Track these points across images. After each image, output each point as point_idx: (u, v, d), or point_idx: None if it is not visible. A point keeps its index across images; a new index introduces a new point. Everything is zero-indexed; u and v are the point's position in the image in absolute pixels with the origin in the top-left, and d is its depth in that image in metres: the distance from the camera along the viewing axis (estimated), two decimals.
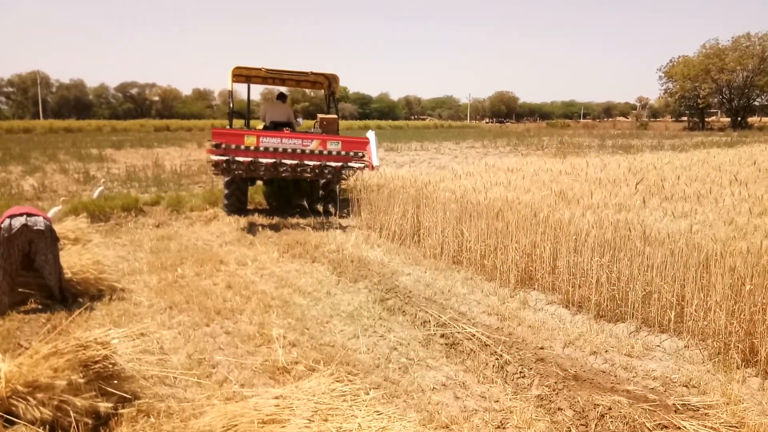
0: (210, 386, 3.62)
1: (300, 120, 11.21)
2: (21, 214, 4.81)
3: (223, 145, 8.37)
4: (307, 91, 42.36)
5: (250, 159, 8.40)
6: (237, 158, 8.37)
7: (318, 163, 8.71)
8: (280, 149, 8.59)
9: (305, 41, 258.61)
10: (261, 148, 8.51)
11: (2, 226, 4.71)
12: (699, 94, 56.13)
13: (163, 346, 4.26)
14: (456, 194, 6.69)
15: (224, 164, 8.34)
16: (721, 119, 67.82)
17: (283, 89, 11.73)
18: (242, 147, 8.44)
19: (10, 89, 72.69)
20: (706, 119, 62.40)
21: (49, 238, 4.88)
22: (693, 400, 3.49)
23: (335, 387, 3.32)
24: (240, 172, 8.55)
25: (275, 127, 10.12)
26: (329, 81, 10.72)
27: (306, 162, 8.65)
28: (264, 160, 8.48)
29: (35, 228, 4.79)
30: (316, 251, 7.10)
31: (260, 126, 10.49)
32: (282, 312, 5.02)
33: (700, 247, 4.37)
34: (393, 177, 8.18)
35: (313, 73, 10.16)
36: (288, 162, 8.58)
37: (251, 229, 8.52)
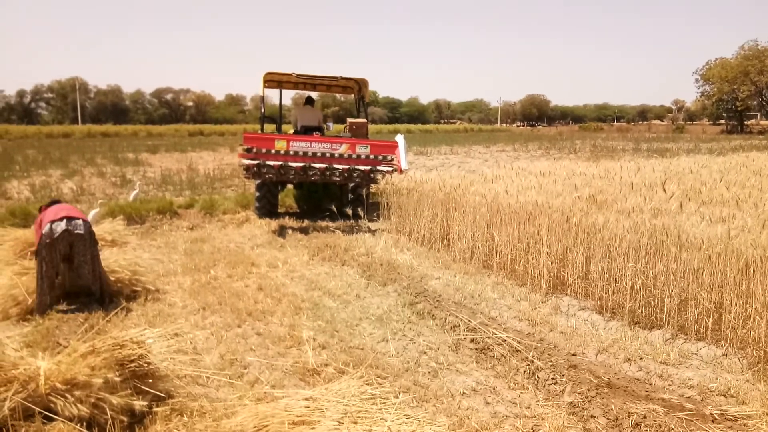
0: (241, 386, 3.67)
1: (330, 124, 11.30)
2: (61, 219, 4.94)
3: (254, 149, 8.51)
4: (338, 95, 42.64)
5: (280, 163, 8.54)
6: (267, 162, 8.51)
7: (347, 167, 8.81)
8: (310, 153, 8.72)
9: (336, 45, 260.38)
10: (291, 152, 8.65)
11: (44, 232, 4.85)
12: (737, 96, 54.75)
13: (196, 346, 4.33)
14: (486, 198, 6.64)
15: (255, 168, 8.49)
16: (761, 122, 66.03)
17: (314, 94, 11.86)
18: (273, 151, 8.59)
19: (50, 95, 75.06)
20: (745, 122, 60.80)
21: (89, 240, 5.02)
22: (731, 410, 3.40)
23: (365, 390, 3.32)
24: (270, 175, 8.69)
25: (306, 131, 10.24)
26: (359, 85, 10.79)
27: (335, 166, 8.77)
28: (294, 164, 8.61)
29: (75, 232, 4.93)
30: (345, 254, 7.14)
31: (291, 131, 10.62)
32: (312, 314, 5.06)
33: (739, 253, 4.25)
34: (422, 180, 8.16)
35: (343, 78, 10.26)
36: (317, 166, 8.70)
37: (282, 232, 8.61)
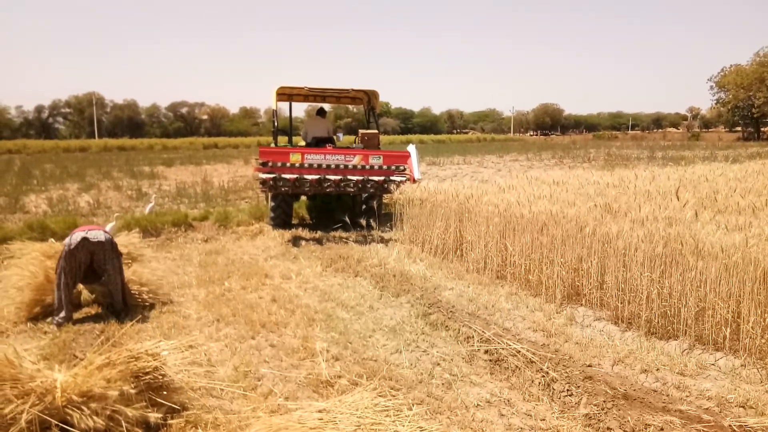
0: (255, 398, 3.67)
1: (340, 135, 11.38)
2: (82, 230, 5.06)
3: (270, 163, 8.66)
4: (350, 107, 42.91)
5: (296, 176, 8.69)
6: (283, 175, 8.67)
7: (361, 178, 8.97)
8: (324, 165, 8.89)
9: (349, 56, 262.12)
10: (306, 165, 8.81)
11: (65, 242, 4.96)
12: (753, 103, 54.14)
13: (210, 358, 4.35)
14: (499, 208, 6.63)
15: (272, 181, 8.65)
16: None
17: (326, 106, 11.98)
18: (288, 164, 8.75)
19: (68, 110, 76.31)
20: (762, 129, 60.06)
21: (110, 249, 5.10)
22: (750, 421, 3.34)
23: (378, 402, 3.31)
24: (286, 188, 8.83)
25: (317, 143, 10.36)
26: (369, 97, 10.93)
27: (349, 177, 8.93)
28: (309, 177, 8.76)
29: (95, 240, 5.01)
30: (358, 265, 7.14)
31: (302, 143, 10.70)
32: (325, 326, 5.06)
33: (757, 262, 4.19)
34: (435, 191, 8.17)
35: (353, 90, 10.42)
36: (332, 177, 8.86)
37: (295, 243, 8.65)
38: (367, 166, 9.05)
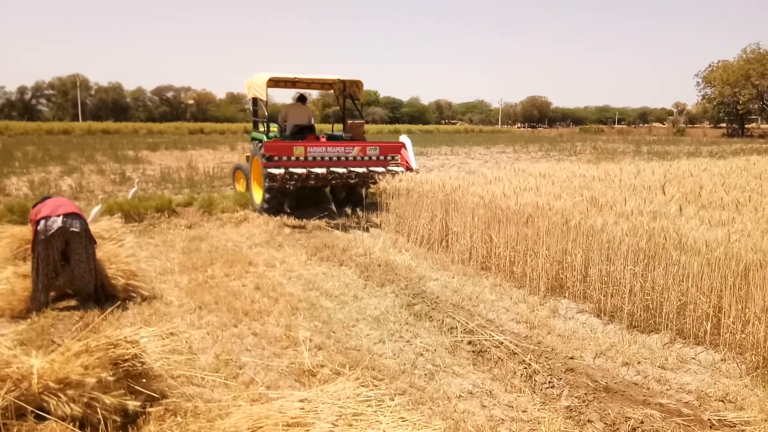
0: (236, 387, 3.64)
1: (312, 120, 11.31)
2: (58, 215, 4.90)
3: (276, 157, 8.81)
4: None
5: (305, 170, 8.86)
6: (292, 169, 8.82)
7: (364, 169, 9.26)
8: (326, 158, 9.15)
9: (337, 44, 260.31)
10: (309, 158, 9.04)
11: (38, 228, 4.81)
12: (738, 100, 54.71)
13: (191, 346, 4.30)
14: (485, 199, 6.62)
15: (287, 176, 8.76)
16: (762, 126, 66.06)
17: (314, 93, 12.02)
18: (292, 158, 8.94)
19: (51, 92, 75.06)
20: (746, 126, 60.77)
21: (84, 238, 4.98)
22: (730, 415, 3.37)
23: (360, 392, 3.29)
24: (293, 182, 8.93)
25: (299, 131, 10.35)
26: (345, 85, 10.93)
27: (354, 169, 9.21)
28: (317, 170, 8.95)
29: (71, 229, 4.88)
30: (343, 255, 7.11)
31: (274, 128, 10.55)
32: (309, 315, 5.03)
33: (739, 257, 4.23)
34: (422, 181, 8.14)
35: (339, 80, 10.51)
36: (338, 170, 9.10)
37: (280, 231, 8.59)
38: (366, 157, 9.37)
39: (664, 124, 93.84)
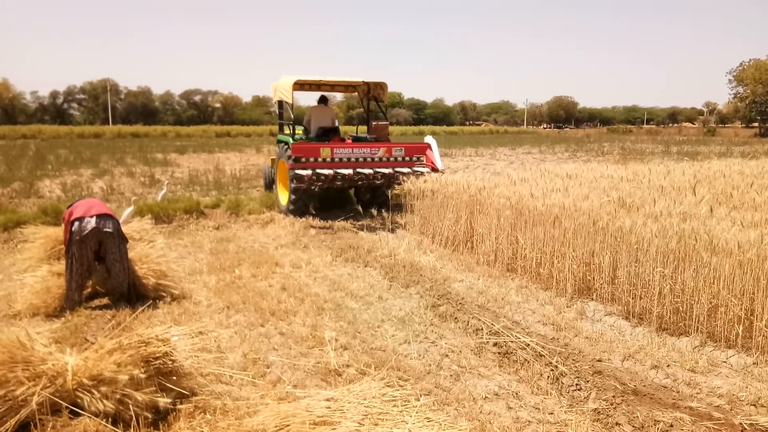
0: (264, 386, 3.69)
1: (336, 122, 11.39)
2: (92, 216, 5.02)
3: (303, 159, 8.91)
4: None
5: (332, 171, 8.94)
6: (319, 171, 8.91)
7: (390, 170, 9.31)
8: (353, 159, 9.21)
9: (362, 45, 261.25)
10: (336, 159, 9.12)
11: (73, 229, 4.93)
12: None
13: (220, 344, 4.37)
14: (511, 200, 6.58)
15: (314, 177, 8.85)
16: None
17: (339, 96, 12.14)
18: (319, 159, 9.03)
19: (83, 96, 76.66)
20: None
21: (118, 238, 5.10)
22: (761, 420, 3.30)
23: (386, 392, 3.31)
24: (320, 183, 9.02)
25: (324, 132, 10.42)
26: (369, 87, 11.00)
27: (380, 170, 9.26)
28: (344, 171, 9.02)
29: (105, 230, 5.00)
30: (368, 256, 7.14)
31: (300, 131, 10.71)
32: (334, 315, 5.07)
33: None
34: (447, 182, 8.13)
35: (364, 83, 10.59)
36: (364, 171, 9.16)
37: (306, 232, 8.66)
38: (391, 158, 9.44)
39: (694, 124, 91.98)
